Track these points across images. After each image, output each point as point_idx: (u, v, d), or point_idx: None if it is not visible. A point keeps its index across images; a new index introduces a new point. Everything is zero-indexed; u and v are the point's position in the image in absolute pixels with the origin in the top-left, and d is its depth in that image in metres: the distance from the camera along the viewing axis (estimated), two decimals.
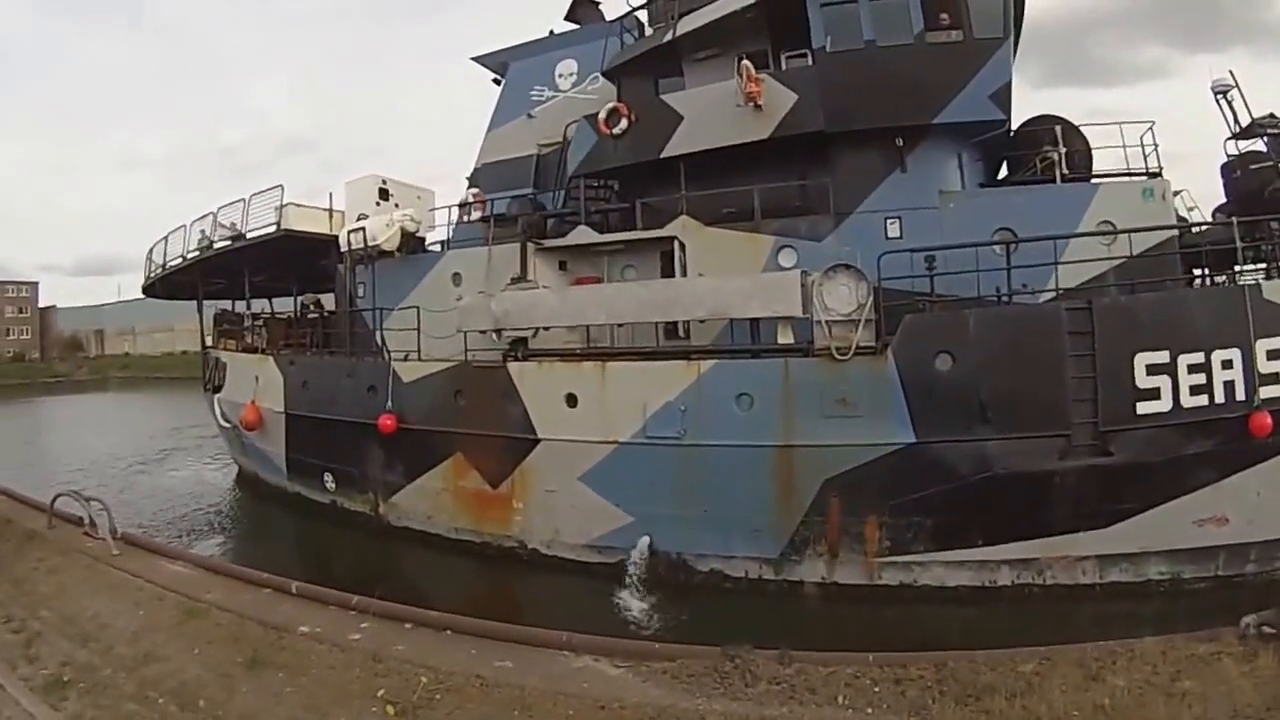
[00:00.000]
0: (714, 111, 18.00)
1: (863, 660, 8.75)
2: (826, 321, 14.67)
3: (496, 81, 24.79)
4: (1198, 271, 17.50)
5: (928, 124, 16.81)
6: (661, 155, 18.68)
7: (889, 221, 16.73)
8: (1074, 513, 14.11)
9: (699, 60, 19.54)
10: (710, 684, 8.53)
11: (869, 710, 7.88)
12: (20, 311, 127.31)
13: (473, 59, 25.28)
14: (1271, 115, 18.37)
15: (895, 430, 14.38)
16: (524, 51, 24.15)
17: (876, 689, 8.28)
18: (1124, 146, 17.61)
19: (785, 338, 15.36)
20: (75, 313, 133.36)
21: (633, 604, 15.44)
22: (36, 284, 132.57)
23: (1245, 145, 18.33)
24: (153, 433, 43.87)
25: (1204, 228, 17.10)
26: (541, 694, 8.35)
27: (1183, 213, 18.32)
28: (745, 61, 17.46)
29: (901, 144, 17.02)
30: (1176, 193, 18.22)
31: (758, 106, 17.29)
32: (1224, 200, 18.31)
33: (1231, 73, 18.45)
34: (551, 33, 24.19)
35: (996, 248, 15.39)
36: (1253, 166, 17.62)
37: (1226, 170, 18.22)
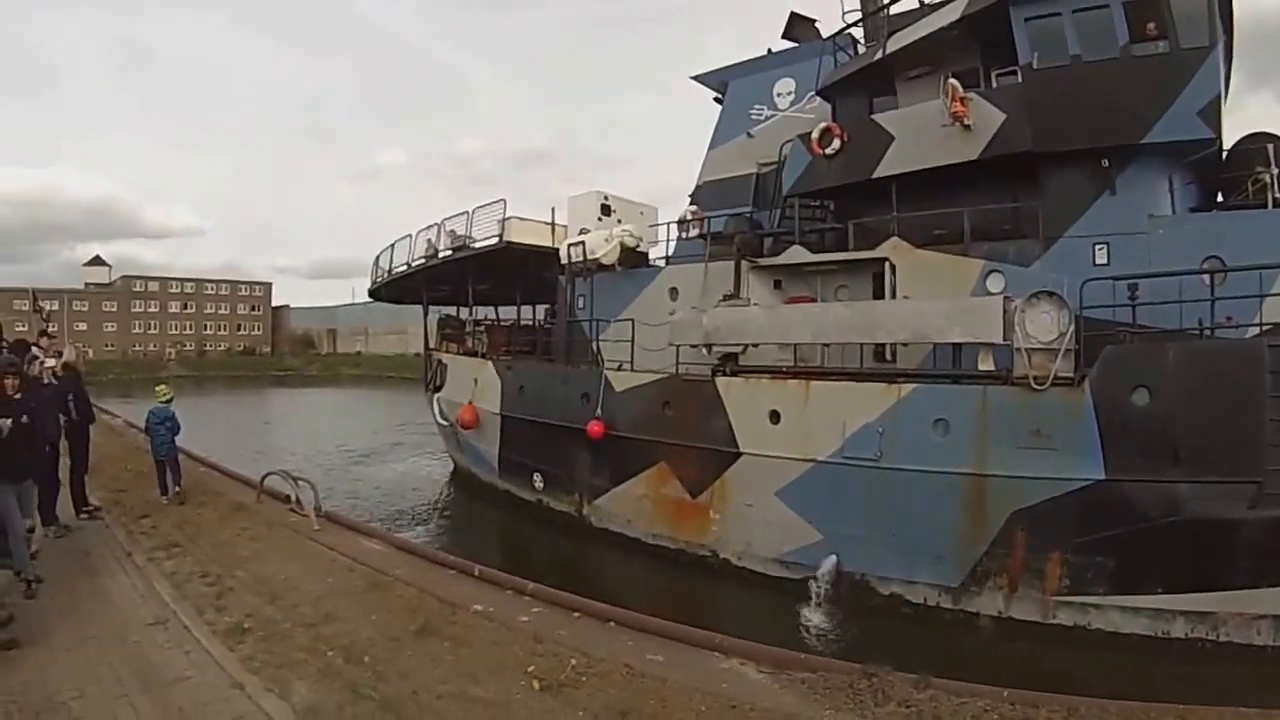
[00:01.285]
0: (923, 131, 18.26)
1: (997, 695, 8.94)
2: (1026, 349, 14.84)
3: (717, 100, 25.75)
4: None
5: (1136, 144, 16.26)
6: (873, 176, 19.07)
7: (1097, 247, 16.52)
8: (1257, 567, 13.46)
9: (911, 79, 19.82)
10: (843, 699, 8.86)
11: None
12: (254, 310, 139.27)
13: (692, 78, 26.40)
14: None
15: (1086, 465, 14.27)
16: (742, 70, 25.07)
17: None
18: None
19: (985, 364, 15.61)
20: (309, 312, 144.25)
21: (813, 620, 16.04)
22: (270, 284, 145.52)
23: None
24: (378, 428, 47.12)
25: None
26: (680, 688, 8.91)
27: None
28: (952, 80, 17.66)
29: (1108, 165, 16.83)
30: None
31: (966, 126, 17.46)
32: None
33: None
34: (770, 51, 25.04)
35: (1205, 277, 14.83)
36: None
37: None
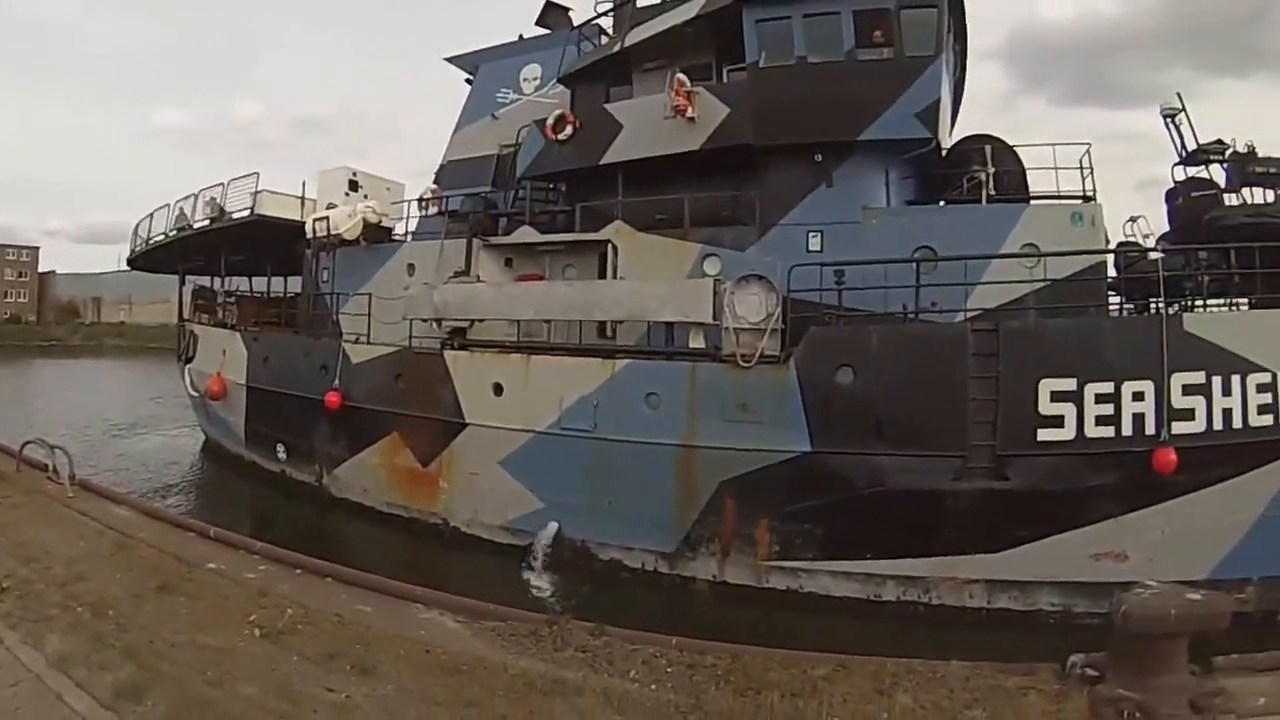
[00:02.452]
0: (651, 121, 18.16)
1: (666, 642, 9.10)
2: (735, 329, 14.80)
3: (469, 82, 25.12)
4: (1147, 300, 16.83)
5: (853, 140, 16.69)
6: (601, 162, 18.89)
7: (810, 235, 16.67)
8: (964, 535, 13.84)
9: (647, 71, 19.68)
10: (527, 644, 9.09)
11: (653, 686, 8.16)
12: (20, 276, 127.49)
13: (446, 59, 25.65)
14: (1219, 141, 17.71)
15: (792, 438, 14.38)
16: (493, 54, 24.57)
17: (669, 669, 8.59)
18: (1055, 169, 17.30)
19: (696, 342, 15.57)
20: (76, 279, 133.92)
21: (536, 584, 15.79)
22: (37, 249, 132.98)
23: (1193, 171, 17.94)
24: (136, 400, 44.31)
25: (1146, 255, 17.00)
26: (384, 634, 9.11)
27: (1138, 240, 18.24)
28: (680, 75, 17.66)
29: (821, 159, 16.99)
30: (1134, 219, 18.41)
31: (690, 119, 17.40)
32: (1166, 228, 18.05)
33: (1179, 95, 18.14)
34: (521, 37, 24.60)
35: (919, 265, 15.05)
36: (1195, 194, 17.30)
37: (1170, 197, 17.87)
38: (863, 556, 14.45)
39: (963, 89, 21.51)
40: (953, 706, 7.86)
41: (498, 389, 17.34)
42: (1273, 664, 8.42)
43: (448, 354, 18.39)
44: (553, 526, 16.58)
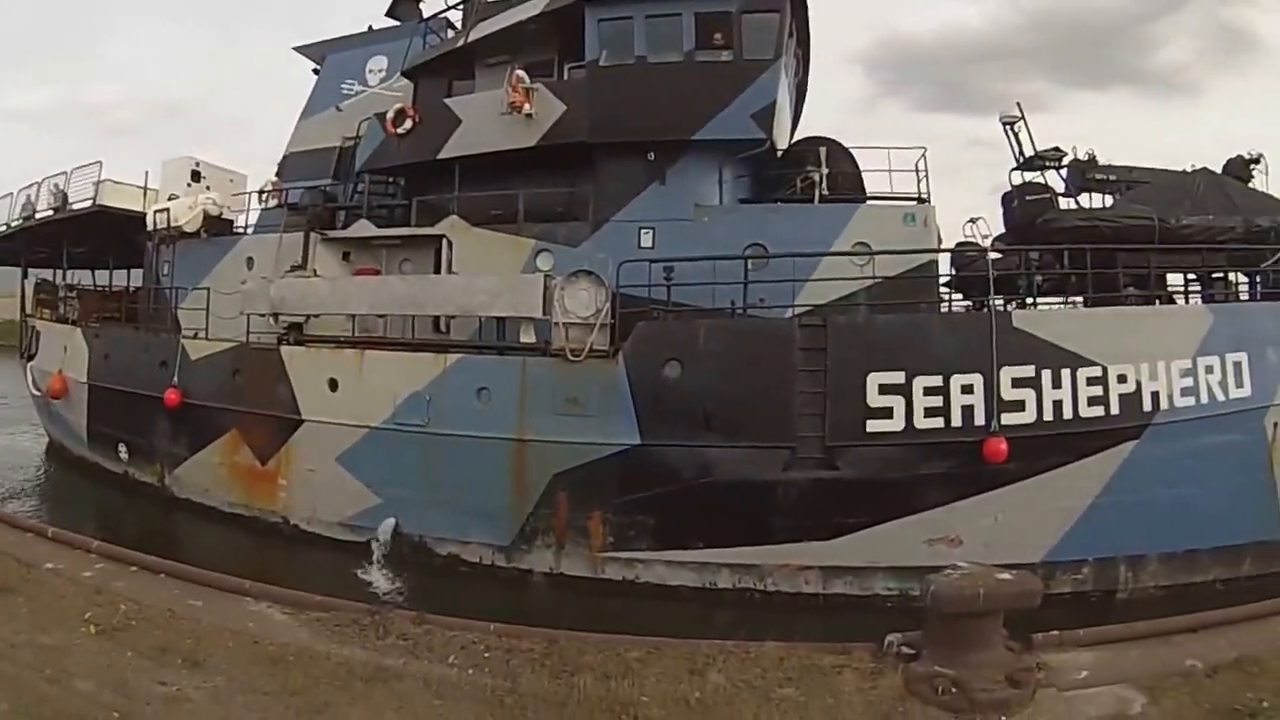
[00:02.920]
0: (489, 117, 17.84)
1: (485, 628, 9.03)
2: (564, 324, 14.68)
3: (316, 72, 24.29)
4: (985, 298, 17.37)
5: (687, 140, 16.72)
6: (438, 157, 18.52)
7: (643, 232, 16.64)
8: (797, 524, 13.98)
9: (490, 66, 19.30)
10: (350, 633, 8.95)
11: (470, 671, 8.09)
12: None
13: (295, 49, 24.82)
14: (1056, 149, 18.69)
15: (621, 431, 14.40)
16: (341, 45, 23.79)
17: (487, 654, 8.48)
18: (890, 171, 17.59)
19: (527, 337, 15.41)
20: None
21: (375, 580, 15.44)
22: None
23: (1030, 176, 18.77)
24: None
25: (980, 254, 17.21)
26: (213, 628, 8.88)
27: (978, 240, 18.42)
28: (519, 71, 17.45)
29: (653, 157, 16.95)
30: (973, 220, 18.56)
31: (528, 115, 17.19)
32: (1003, 230, 18.51)
33: (1019, 104, 18.93)
34: (370, 28, 23.94)
35: (750, 262, 15.35)
36: (1029, 198, 17.86)
37: (1006, 200, 18.38)
38: (696, 546, 14.50)
39: (805, 91, 21.82)
40: (766, 685, 7.79)
41: (333, 385, 16.87)
42: (1094, 639, 8.51)
43: (284, 349, 17.80)
44: (390, 522, 16.18)
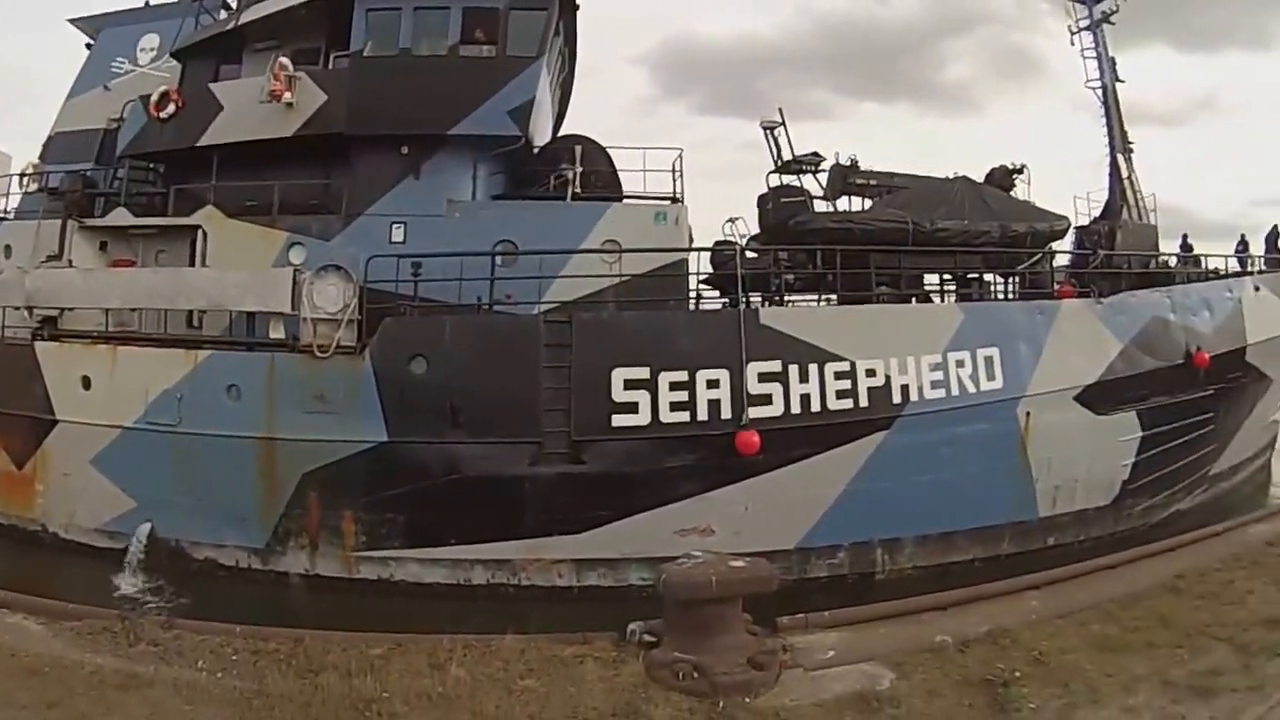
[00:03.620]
0: (248, 104, 17.15)
1: (231, 630, 8.97)
2: (312, 319, 14.33)
3: (89, 46, 22.69)
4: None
5: (443, 134, 16.47)
6: (198, 143, 17.70)
7: (394, 226, 16.29)
8: (547, 518, 14.10)
9: (258, 50, 18.59)
10: (103, 641, 8.78)
11: (219, 675, 8.02)
12: None
13: (70, 20, 23.25)
14: (814, 154, 19.42)
15: (369, 428, 14.15)
16: (117, 20, 22.40)
17: (235, 657, 8.43)
18: (645, 171, 17.50)
19: (276, 333, 14.94)
20: None
21: (131, 587, 14.87)
22: None
23: (787, 179, 19.23)
24: None
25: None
26: None
27: (736, 239, 18.44)
28: (283, 58, 16.90)
29: (407, 151, 16.64)
30: (732, 220, 18.67)
31: (288, 104, 16.62)
32: (758, 230, 18.84)
33: (780, 110, 19.36)
34: (147, 3, 22.62)
35: (499, 258, 15.28)
36: (784, 199, 18.29)
37: (761, 202, 18.73)
38: (449, 543, 14.38)
39: (570, 89, 21.92)
40: (507, 677, 7.84)
41: (86, 383, 16.03)
42: (840, 620, 8.79)
43: (38, 345, 16.83)
44: (145, 527, 15.47)
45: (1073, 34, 24.45)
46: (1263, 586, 9.82)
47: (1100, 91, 23.76)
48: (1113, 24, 24.39)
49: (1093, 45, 24.06)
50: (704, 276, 17.45)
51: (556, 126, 21.33)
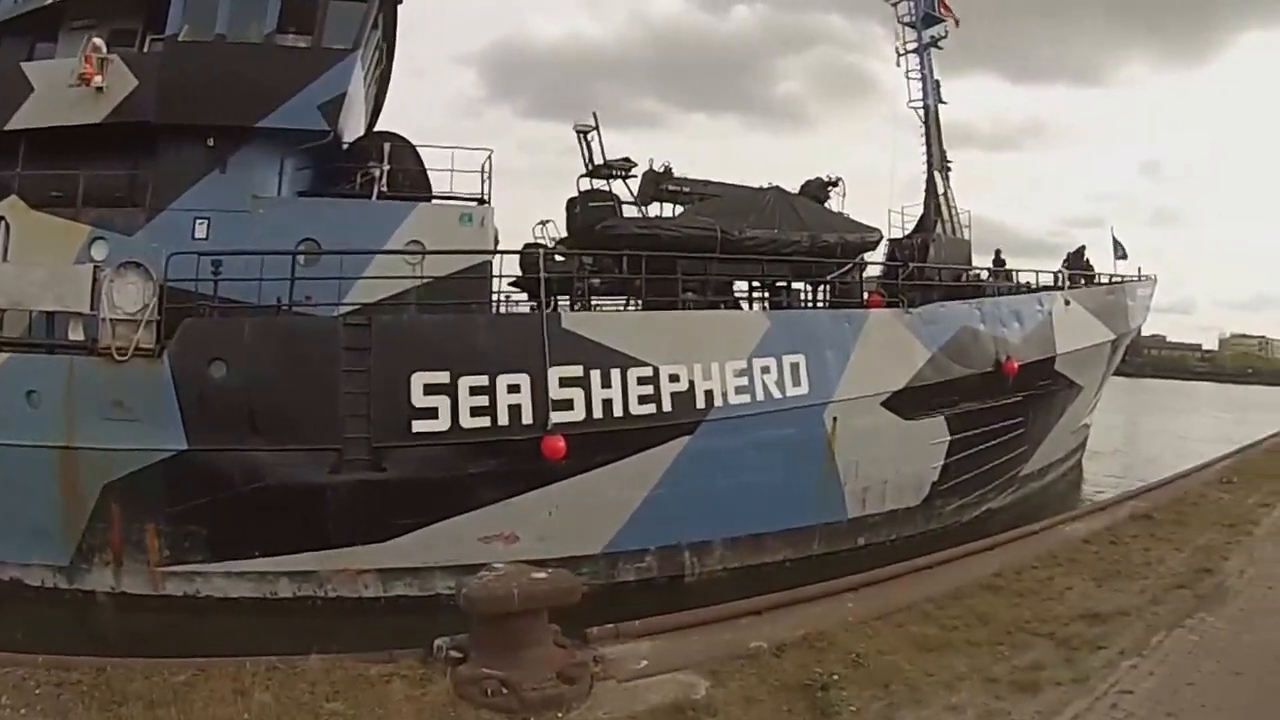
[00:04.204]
0: (59, 87, 16.20)
1: (33, 662, 8.44)
2: (111, 320, 13.71)
3: None
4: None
5: (251, 127, 15.90)
6: (5, 128, 16.67)
7: (198, 221, 15.62)
8: (350, 527, 13.78)
9: (74, 29, 17.49)
10: None
11: (23, 711, 7.60)
12: None
13: None
14: (626, 159, 19.47)
15: (168, 436, 13.49)
16: None
17: (38, 691, 7.98)
18: (452, 171, 17.21)
19: (75, 334, 14.27)
20: None
21: None
22: None
23: (598, 183, 19.24)
24: None
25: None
26: None
27: (546, 242, 18.93)
28: (96, 39, 16.05)
29: (213, 143, 16.01)
30: (544, 222, 19.02)
31: (99, 89, 15.81)
32: (567, 234, 18.97)
33: (595, 115, 19.36)
34: None
35: (301, 258, 14.93)
36: (592, 204, 18.38)
37: (570, 205, 18.82)
38: (253, 555, 13.85)
39: (387, 84, 21.44)
40: (314, 700, 7.64)
41: None
42: (650, 629, 8.70)
43: None
44: None
45: (900, 55, 25.70)
46: (1081, 582, 10.30)
47: (922, 112, 25.00)
48: (940, 49, 25.68)
49: (919, 68, 25.28)
50: (514, 279, 17.53)
51: (372, 122, 21.02)
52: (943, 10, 25.41)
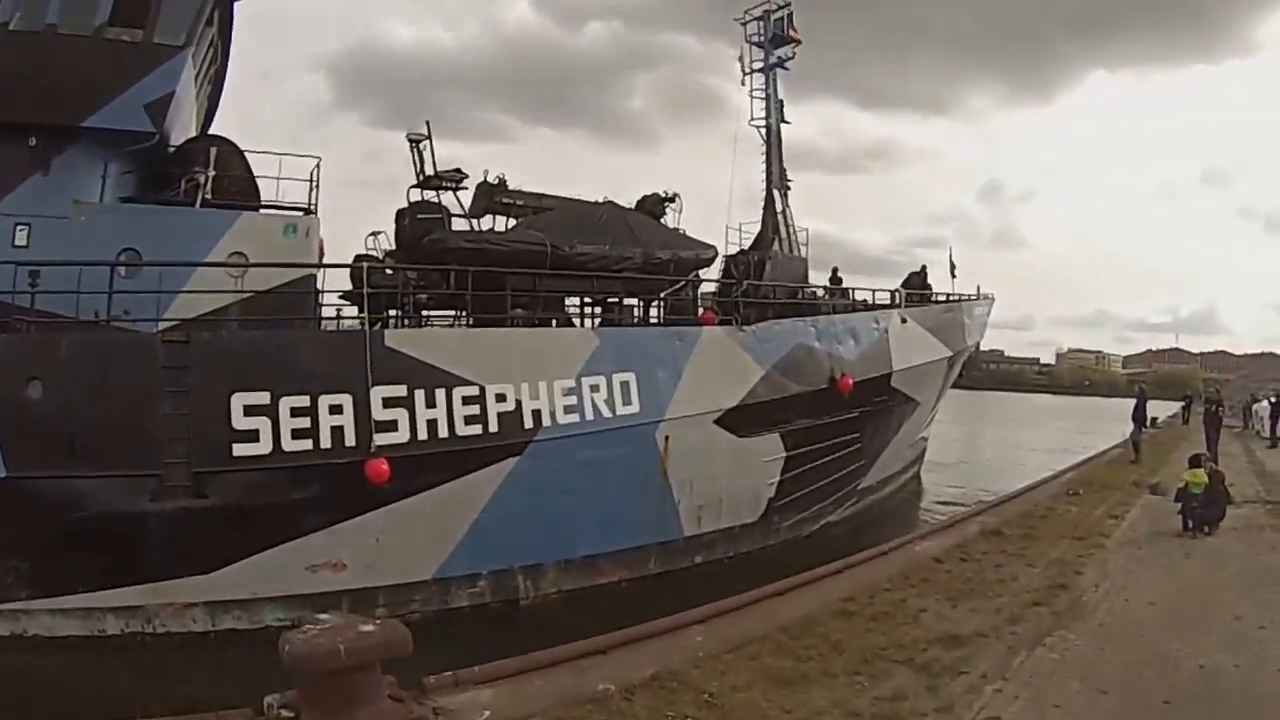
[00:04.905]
0: None
1: None
2: None
3: None
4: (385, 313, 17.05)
5: (75, 126, 14.76)
6: None
7: (18, 228, 14.51)
8: (174, 558, 12.94)
9: None
10: None
11: None
12: None
13: None
14: (457, 170, 19.17)
15: None
16: None
17: None
18: (279, 179, 16.40)
19: None
20: None
21: None
22: None
23: (429, 195, 18.96)
24: None
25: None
26: None
27: (378, 254, 18.50)
28: None
29: (35, 143, 14.94)
30: (375, 233, 18.48)
31: None
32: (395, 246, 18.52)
33: (428, 123, 19.01)
34: None
35: (121, 269, 14.09)
36: (420, 216, 18.04)
37: (399, 217, 18.35)
38: (77, 590, 12.88)
39: (222, 85, 20.60)
40: None
41: None
42: (490, 675, 8.21)
43: None
44: None
45: (745, 74, 26.31)
46: (935, 603, 10.20)
47: (765, 131, 25.67)
48: (787, 69, 26.36)
49: (763, 87, 25.92)
50: (344, 293, 16.96)
51: (206, 124, 20.19)
52: (790, 32, 26.12)
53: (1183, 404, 48.81)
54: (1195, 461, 15.72)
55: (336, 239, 18.41)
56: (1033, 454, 44.15)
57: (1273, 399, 35.98)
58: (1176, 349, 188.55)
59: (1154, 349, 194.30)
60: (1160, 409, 44.12)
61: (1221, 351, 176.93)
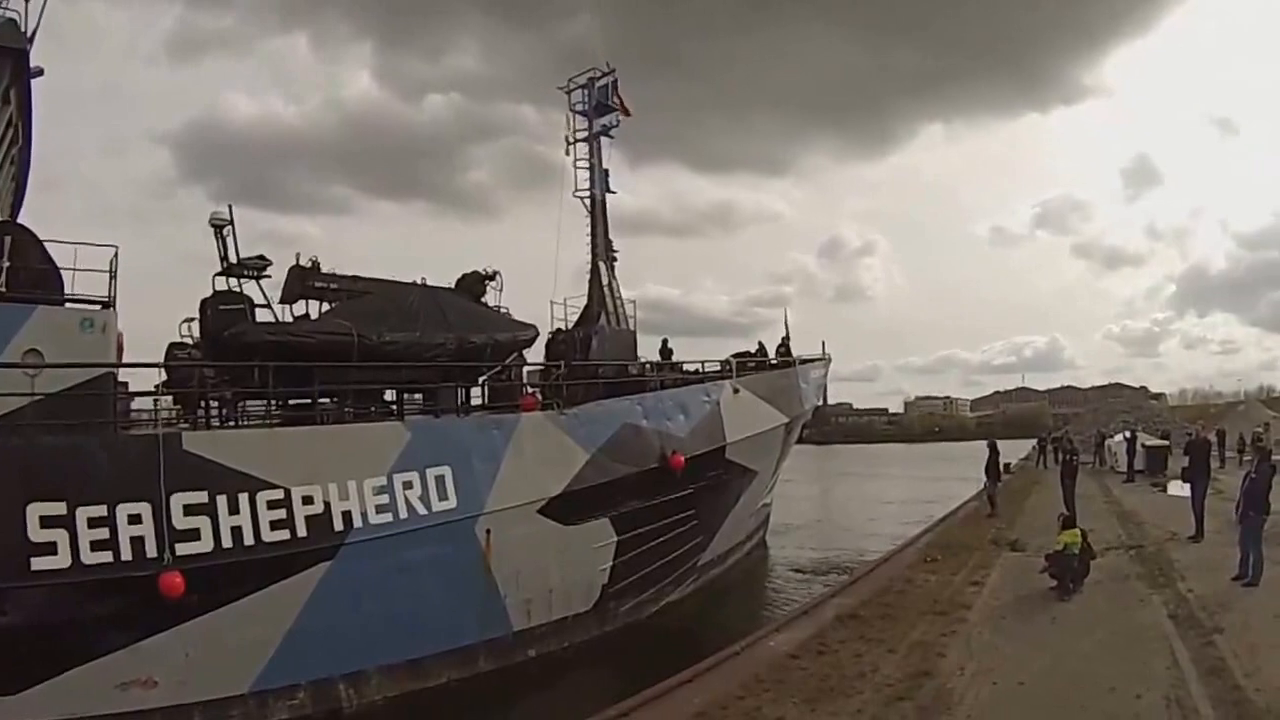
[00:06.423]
0: None
1: None
2: None
3: None
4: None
5: None
6: None
7: None
8: None
9: None
10: None
11: None
12: None
13: None
14: (260, 256, 18.49)
15: None
16: None
17: None
18: (75, 270, 15.12)
19: None
20: None
21: None
22: None
23: (233, 283, 18.30)
24: None
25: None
26: None
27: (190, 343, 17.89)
28: None
29: None
30: (190, 320, 17.86)
31: None
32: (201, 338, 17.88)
33: (230, 207, 18.21)
34: None
35: None
36: (222, 306, 17.56)
37: (203, 308, 17.84)
38: None
39: (26, 166, 19.66)
40: None
41: None
42: None
43: None
44: None
45: (570, 144, 26.55)
46: (793, 709, 9.82)
47: (589, 201, 25.99)
48: (612, 138, 26.82)
49: (587, 156, 26.31)
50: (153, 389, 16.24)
51: (15, 210, 19.21)
52: (615, 100, 26.66)
53: (1037, 445, 50.79)
54: (1070, 523, 15.97)
55: (177, 314, 18.14)
56: (887, 506, 45.33)
57: (1127, 434, 38.17)
58: (1023, 388, 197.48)
59: (1001, 390, 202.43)
60: (1012, 449, 45.81)
61: (1068, 386, 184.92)
